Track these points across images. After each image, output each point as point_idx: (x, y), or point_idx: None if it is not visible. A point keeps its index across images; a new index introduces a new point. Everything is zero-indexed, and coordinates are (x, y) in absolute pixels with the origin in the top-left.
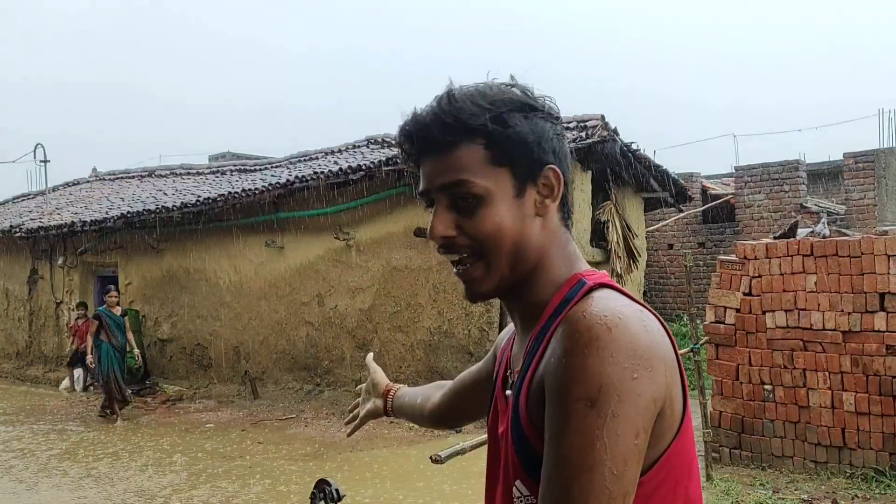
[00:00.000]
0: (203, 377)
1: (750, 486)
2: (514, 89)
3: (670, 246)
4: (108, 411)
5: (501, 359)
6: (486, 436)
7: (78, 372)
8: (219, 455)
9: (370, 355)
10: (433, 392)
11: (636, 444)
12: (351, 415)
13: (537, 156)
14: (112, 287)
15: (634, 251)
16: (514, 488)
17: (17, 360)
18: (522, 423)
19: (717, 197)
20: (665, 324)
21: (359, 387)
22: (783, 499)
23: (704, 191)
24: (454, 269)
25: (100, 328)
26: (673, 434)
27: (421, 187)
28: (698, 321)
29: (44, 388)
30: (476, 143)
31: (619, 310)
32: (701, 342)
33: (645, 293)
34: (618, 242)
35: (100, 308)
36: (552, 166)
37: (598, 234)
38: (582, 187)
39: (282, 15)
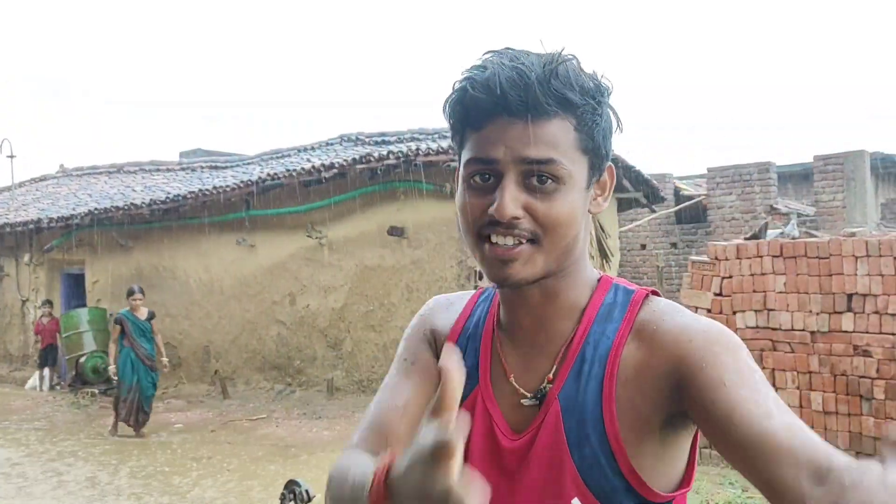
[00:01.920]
0: (172, 377)
1: (719, 484)
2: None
3: (643, 246)
4: (130, 424)
5: (470, 355)
6: None
7: (45, 372)
8: (188, 455)
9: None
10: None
11: None
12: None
13: (607, 150)
14: (135, 288)
15: (607, 251)
16: None
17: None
18: (609, 437)
19: (689, 198)
20: None
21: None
22: (752, 497)
23: (677, 191)
24: (482, 248)
25: (122, 334)
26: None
27: (484, 153)
28: None
29: (9, 387)
30: (569, 121)
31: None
32: None
33: None
34: (591, 243)
35: (122, 311)
36: (611, 164)
37: None
38: None
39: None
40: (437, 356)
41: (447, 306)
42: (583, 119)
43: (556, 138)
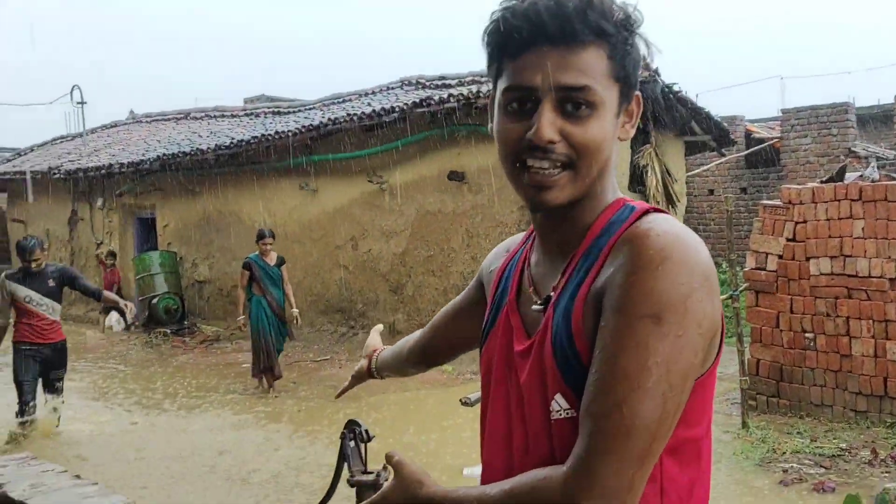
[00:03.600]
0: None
1: (787, 434)
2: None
3: (711, 191)
4: (263, 378)
5: (508, 278)
6: None
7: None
8: (253, 395)
9: (378, 327)
10: (411, 338)
11: (694, 363)
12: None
13: (636, 80)
14: (266, 231)
15: (674, 196)
16: (552, 402)
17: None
18: (574, 335)
19: (761, 141)
20: None
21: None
22: (821, 447)
23: (748, 134)
24: (520, 174)
25: (251, 280)
26: (713, 359)
27: (522, 80)
28: (738, 268)
29: (86, 327)
30: (603, 49)
31: (684, 233)
32: (740, 289)
33: None
34: (657, 187)
35: (250, 255)
36: (638, 93)
37: (637, 179)
38: None
39: None
40: (484, 294)
41: (504, 251)
42: (615, 48)
43: (591, 66)
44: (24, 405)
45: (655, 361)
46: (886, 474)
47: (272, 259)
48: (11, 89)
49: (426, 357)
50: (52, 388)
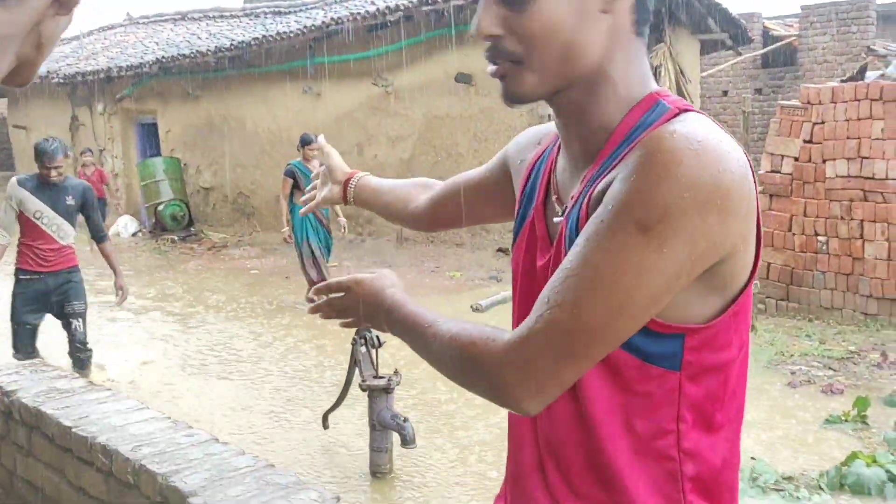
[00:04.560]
0: (246, 225)
1: (795, 336)
2: None
3: (725, 93)
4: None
5: (536, 179)
6: None
7: (126, 219)
8: (262, 301)
9: (322, 137)
10: (415, 191)
11: (672, 284)
12: (305, 196)
13: None
14: (311, 137)
15: (687, 98)
16: None
17: None
18: None
19: (778, 39)
20: (752, 162)
21: (315, 172)
22: (829, 350)
23: (766, 32)
24: (489, 67)
25: (294, 188)
26: (745, 280)
27: None
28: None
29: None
30: None
31: (712, 138)
32: None
33: None
34: (670, 88)
35: (293, 162)
36: None
37: None
38: None
39: None
40: (510, 181)
41: (535, 142)
42: None
43: None
44: (19, 355)
45: (625, 270)
46: None
47: (316, 166)
48: None
49: (433, 221)
50: (72, 334)
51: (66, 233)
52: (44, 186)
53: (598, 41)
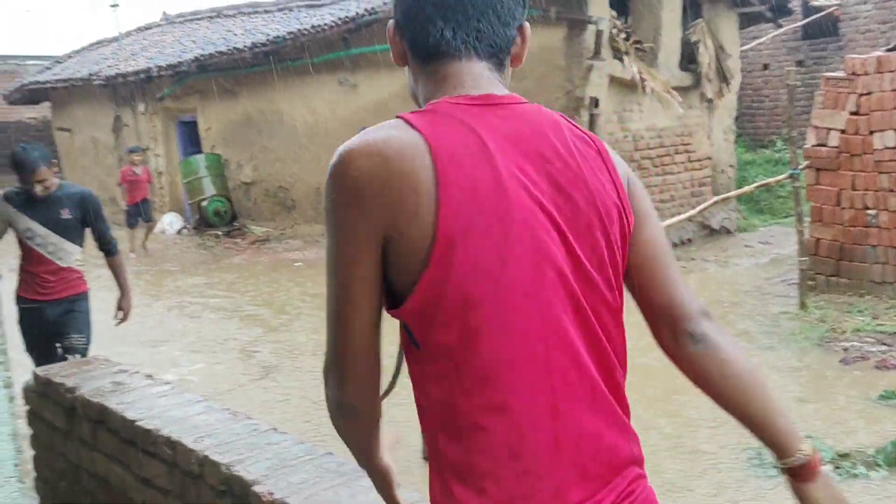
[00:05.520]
0: (287, 219)
1: (847, 313)
2: None
3: (765, 66)
4: None
5: None
6: None
7: (171, 217)
8: (308, 292)
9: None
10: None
11: (350, 267)
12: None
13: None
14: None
15: (727, 73)
16: None
17: (110, 206)
18: None
19: (819, 9)
20: (442, 148)
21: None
22: (882, 325)
23: (806, 3)
24: None
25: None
26: (421, 263)
27: None
28: (798, 145)
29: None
30: None
31: (356, 143)
32: (801, 167)
33: (737, 118)
34: (709, 65)
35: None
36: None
37: (688, 57)
38: (670, 5)
39: None
40: None
41: None
42: None
43: None
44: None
45: (327, 256)
46: None
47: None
48: None
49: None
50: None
51: (66, 252)
52: (33, 200)
53: (411, 88)
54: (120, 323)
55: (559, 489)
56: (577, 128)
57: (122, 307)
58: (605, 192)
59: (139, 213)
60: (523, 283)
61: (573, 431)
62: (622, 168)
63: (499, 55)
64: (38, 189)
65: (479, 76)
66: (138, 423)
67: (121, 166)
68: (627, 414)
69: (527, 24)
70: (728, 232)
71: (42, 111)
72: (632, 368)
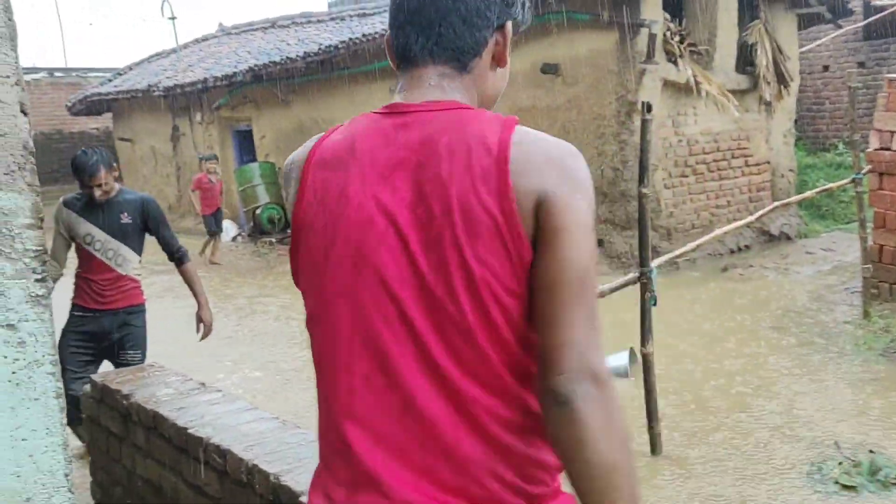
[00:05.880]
0: None
1: None
2: None
3: (825, 68)
4: None
5: None
6: None
7: (227, 224)
8: None
9: None
10: None
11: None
12: None
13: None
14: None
15: (786, 75)
16: None
17: (169, 214)
18: None
19: (881, 9)
20: (353, 141)
21: None
22: None
23: (867, 3)
24: None
25: None
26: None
27: None
28: (861, 149)
29: (195, 238)
30: None
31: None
32: (863, 171)
33: (796, 121)
34: (767, 67)
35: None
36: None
37: (745, 59)
38: (727, 6)
39: None
40: None
41: None
42: None
43: None
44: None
45: None
46: None
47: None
48: (101, 8)
49: None
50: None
51: (126, 259)
52: (93, 205)
53: None
54: (203, 338)
55: None
56: (492, 136)
57: (203, 319)
58: (473, 205)
59: (215, 223)
60: (338, 282)
61: (363, 443)
62: (536, 182)
63: (461, 58)
64: (98, 193)
65: (423, 82)
66: (190, 431)
67: (179, 175)
68: (512, 433)
69: (508, 25)
70: (788, 238)
71: (104, 122)
72: (693, 382)
